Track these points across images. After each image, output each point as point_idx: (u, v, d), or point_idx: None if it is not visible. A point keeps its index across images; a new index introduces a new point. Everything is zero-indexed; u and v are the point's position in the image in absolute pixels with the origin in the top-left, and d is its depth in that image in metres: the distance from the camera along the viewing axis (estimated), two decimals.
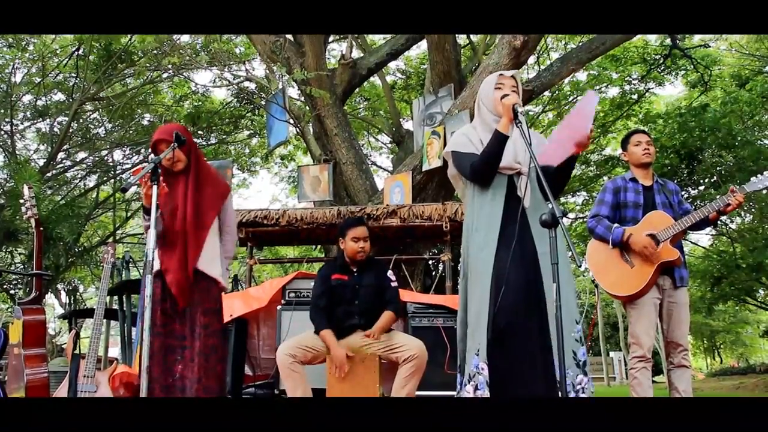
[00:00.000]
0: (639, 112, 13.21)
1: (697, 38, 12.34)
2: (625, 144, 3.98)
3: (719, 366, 28.94)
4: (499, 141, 2.77)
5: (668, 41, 11.06)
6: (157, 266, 3.05)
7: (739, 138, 11.26)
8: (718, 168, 12.00)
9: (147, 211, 2.91)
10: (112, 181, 13.06)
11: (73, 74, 10.73)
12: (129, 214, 14.06)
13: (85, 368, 3.74)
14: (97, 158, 12.55)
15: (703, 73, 11.54)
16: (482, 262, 2.79)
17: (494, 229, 2.81)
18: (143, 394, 2.50)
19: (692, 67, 11.58)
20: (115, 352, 12.86)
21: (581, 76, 12.58)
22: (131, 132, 12.05)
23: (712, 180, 12.25)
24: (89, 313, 8.11)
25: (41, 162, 11.42)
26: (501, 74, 3.03)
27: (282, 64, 7.67)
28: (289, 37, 8.33)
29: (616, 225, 3.70)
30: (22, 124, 11.53)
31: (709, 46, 12.39)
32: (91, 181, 13.35)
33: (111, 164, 12.89)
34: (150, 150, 3.06)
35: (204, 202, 3.23)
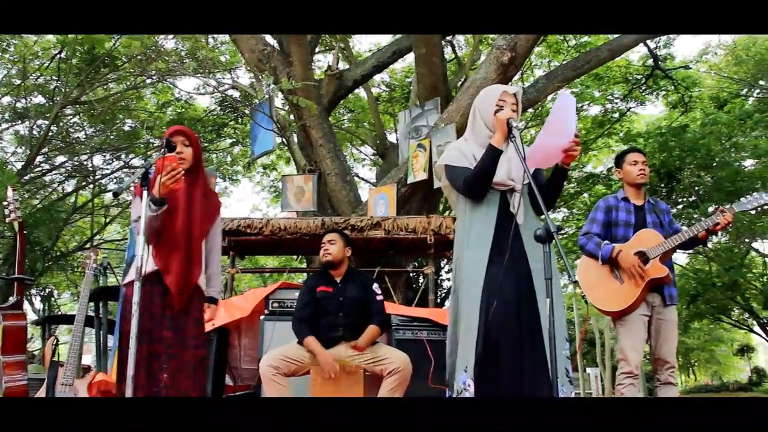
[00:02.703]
0: (620, 130, 13.37)
1: (679, 59, 12.56)
2: (620, 161, 3.97)
3: (694, 383, 29.26)
4: (493, 156, 2.75)
5: (650, 62, 11.22)
6: (150, 267, 2.96)
7: (717, 159, 11.45)
8: (696, 188, 12.18)
9: (155, 201, 2.85)
10: (92, 186, 12.90)
11: (54, 77, 10.61)
12: (108, 219, 13.89)
13: (64, 376, 3.66)
14: (76, 163, 12.39)
15: (683, 94, 11.73)
16: (473, 278, 2.76)
17: (486, 245, 2.78)
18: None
19: (673, 87, 11.76)
20: (88, 359, 12.64)
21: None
22: (112, 137, 11.93)
23: (690, 199, 12.43)
24: (64, 319, 7.97)
25: (19, 165, 11.25)
26: (505, 91, 2.94)
27: (269, 73, 7.64)
28: (276, 45, 8.31)
29: (606, 242, 3.71)
30: (0, 126, 11.37)
31: (690, 68, 12.60)
32: (70, 185, 13.19)
33: (90, 169, 12.73)
34: (163, 143, 2.97)
35: (203, 211, 3.19)
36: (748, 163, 12.76)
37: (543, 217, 2.42)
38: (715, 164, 11.51)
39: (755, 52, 12.69)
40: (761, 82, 13.12)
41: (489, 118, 2.90)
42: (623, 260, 3.63)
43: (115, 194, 2.71)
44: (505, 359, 2.63)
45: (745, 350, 26.55)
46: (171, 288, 2.95)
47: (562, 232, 14.43)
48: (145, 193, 2.68)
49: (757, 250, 16.15)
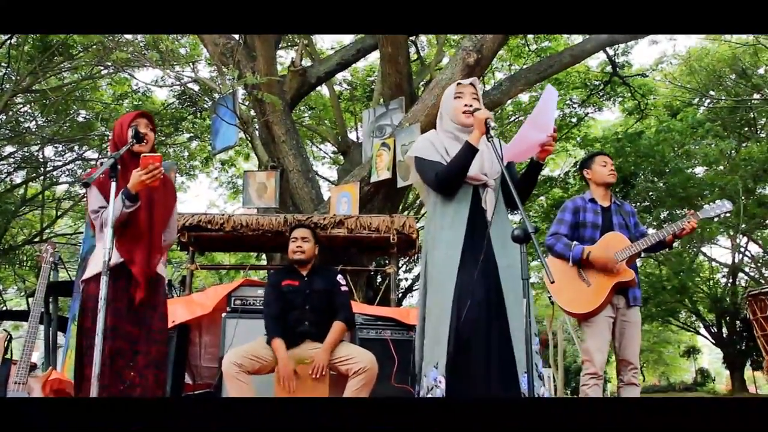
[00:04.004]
0: (578, 135, 13.60)
1: (636, 67, 12.83)
2: (589, 163, 4.04)
3: (642, 384, 29.96)
4: (469, 153, 2.73)
5: (609, 68, 11.44)
6: (114, 260, 2.80)
7: (670, 165, 11.76)
8: (650, 193, 12.47)
9: (131, 198, 2.78)
10: (42, 178, 12.49)
11: (4, 64, 10.23)
12: (59, 213, 13.47)
13: (17, 374, 3.52)
14: (26, 153, 11.98)
15: (639, 101, 11.99)
16: (445, 275, 2.74)
17: (458, 242, 2.76)
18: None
19: (630, 94, 12.01)
20: (35, 356, 12.24)
21: (524, 96, 12.87)
22: (65, 128, 11.57)
23: (644, 204, 12.73)
24: (14, 315, 7.69)
25: None
26: (459, 83, 2.99)
27: (233, 67, 7.52)
28: (240, 39, 8.19)
29: (575, 243, 3.75)
30: None
31: (647, 76, 12.89)
32: (19, 177, 12.76)
33: (41, 160, 12.32)
34: (131, 133, 2.85)
35: (163, 200, 3.09)
36: (699, 170, 13.16)
37: (520, 218, 2.42)
38: (668, 170, 11.82)
39: (707, 63, 13.07)
40: (711, 93, 13.52)
41: (452, 113, 2.93)
42: (597, 259, 3.67)
43: (86, 184, 2.60)
44: (477, 357, 2.62)
45: (691, 352, 27.30)
46: (138, 278, 2.86)
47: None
48: (113, 184, 2.58)
49: (705, 255, 16.66)
